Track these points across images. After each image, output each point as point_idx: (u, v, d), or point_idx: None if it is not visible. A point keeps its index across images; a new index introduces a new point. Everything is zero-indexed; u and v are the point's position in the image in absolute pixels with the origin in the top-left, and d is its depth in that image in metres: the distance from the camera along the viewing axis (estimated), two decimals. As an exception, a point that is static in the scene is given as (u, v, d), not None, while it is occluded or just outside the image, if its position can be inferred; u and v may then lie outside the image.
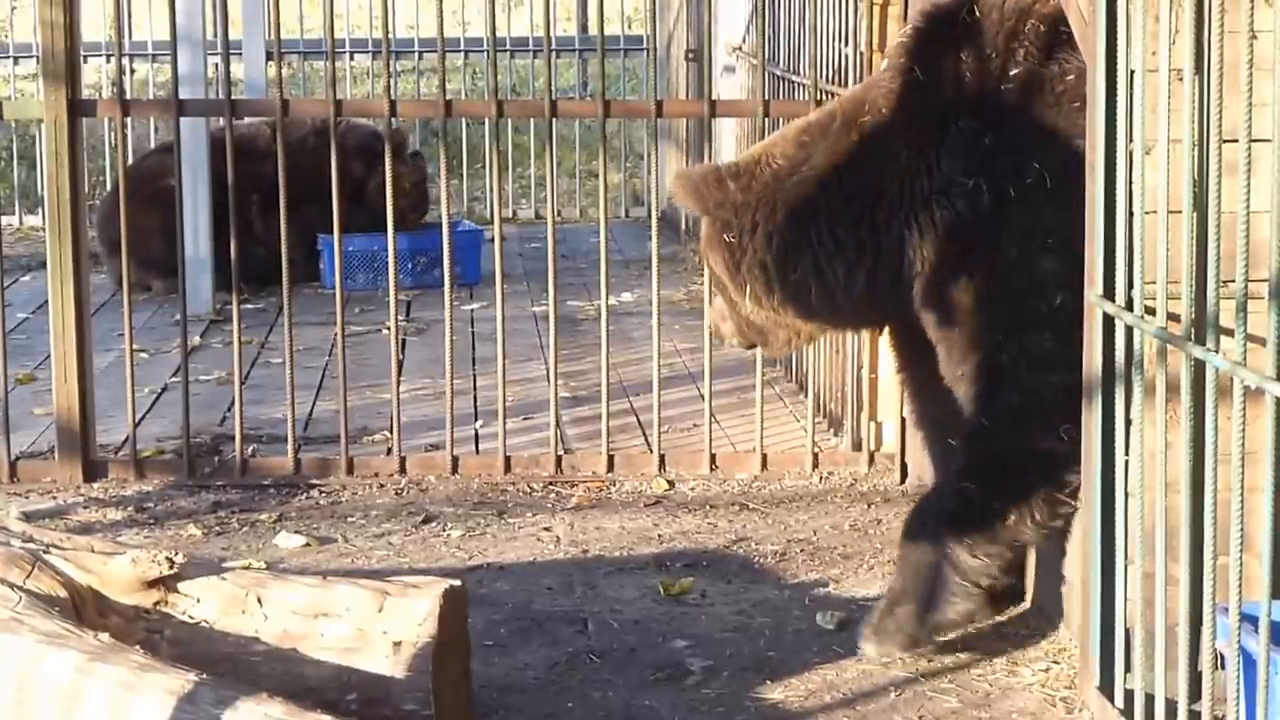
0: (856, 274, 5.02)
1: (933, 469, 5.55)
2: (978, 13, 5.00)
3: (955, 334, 4.95)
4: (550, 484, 6.72)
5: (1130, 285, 4.19)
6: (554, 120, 6.73)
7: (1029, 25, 4.93)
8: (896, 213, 4.97)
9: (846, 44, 6.95)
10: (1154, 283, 4.08)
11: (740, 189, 5.11)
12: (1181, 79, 3.94)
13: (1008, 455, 4.85)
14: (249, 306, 9.41)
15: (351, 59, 14.33)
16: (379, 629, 4.24)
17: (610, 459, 6.82)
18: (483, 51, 13.90)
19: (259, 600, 4.32)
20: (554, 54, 7.33)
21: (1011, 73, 4.91)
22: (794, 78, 7.91)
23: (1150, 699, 4.11)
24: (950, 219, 4.91)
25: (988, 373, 4.88)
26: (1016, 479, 4.83)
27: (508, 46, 14.46)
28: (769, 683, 4.84)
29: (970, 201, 4.89)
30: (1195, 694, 3.90)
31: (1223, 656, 3.74)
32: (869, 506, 6.39)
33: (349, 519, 6.33)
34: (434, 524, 6.27)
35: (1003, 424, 4.84)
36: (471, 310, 9.81)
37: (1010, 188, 4.85)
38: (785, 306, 5.15)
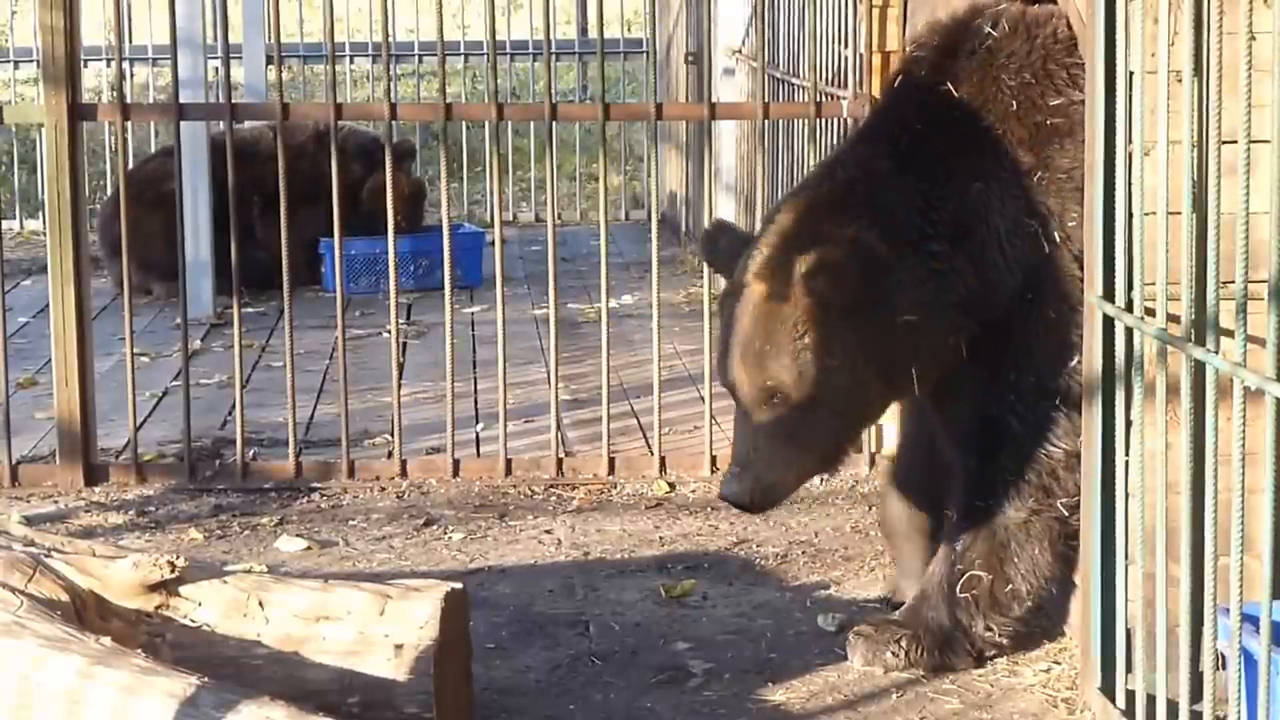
0: (974, 319, 4.75)
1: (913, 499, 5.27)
2: (1005, 25, 4.84)
3: (972, 393, 4.81)
4: (551, 486, 6.72)
5: (1130, 286, 4.19)
6: (554, 123, 6.74)
7: (1061, 43, 4.78)
8: (984, 252, 4.73)
9: (846, 46, 6.96)
10: (1154, 284, 4.08)
11: (890, 275, 4.61)
12: (1180, 80, 3.95)
13: (1010, 531, 4.81)
14: (249, 310, 9.41)
15: (352, 63, 14.34)
16: (380, 632, 4.25)
17: (611, 461, 6.82)
18: (483, 55, 13.91)
19: (260, 604, 4.32)
20: (554, 57, 7.34)
21: (1053, 103, 4.74)
22: (794, 80, 7.92)
23: (1152, 700, 4.11)
24: (1026, 263, 4.73)
25: (993, 437, 4.79)
26: (1020, 551, 4.82)
27: (507, 50, 14.48)
28: (770, 685, 4.84)
29: (1033, 246, 4.72)
30: (1197, 694, 3.90)
31: (1224, 657, 3.75)
32: (870, 508, 6.39)
33: (350, 522, 6.33)
34: (435, 527, 6.27)
35: (1001, 496, 4.80)
36: (472, 313, 9.82)
37: (1056, 232, 4.72)
38: (930, 371, 4.75)
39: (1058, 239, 4.74)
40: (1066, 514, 4.77)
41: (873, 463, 6.81)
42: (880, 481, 5.50)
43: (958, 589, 4.83)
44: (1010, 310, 4.77)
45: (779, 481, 4.75)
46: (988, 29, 4.87)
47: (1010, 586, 4.83)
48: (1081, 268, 4.67)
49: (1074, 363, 4.71)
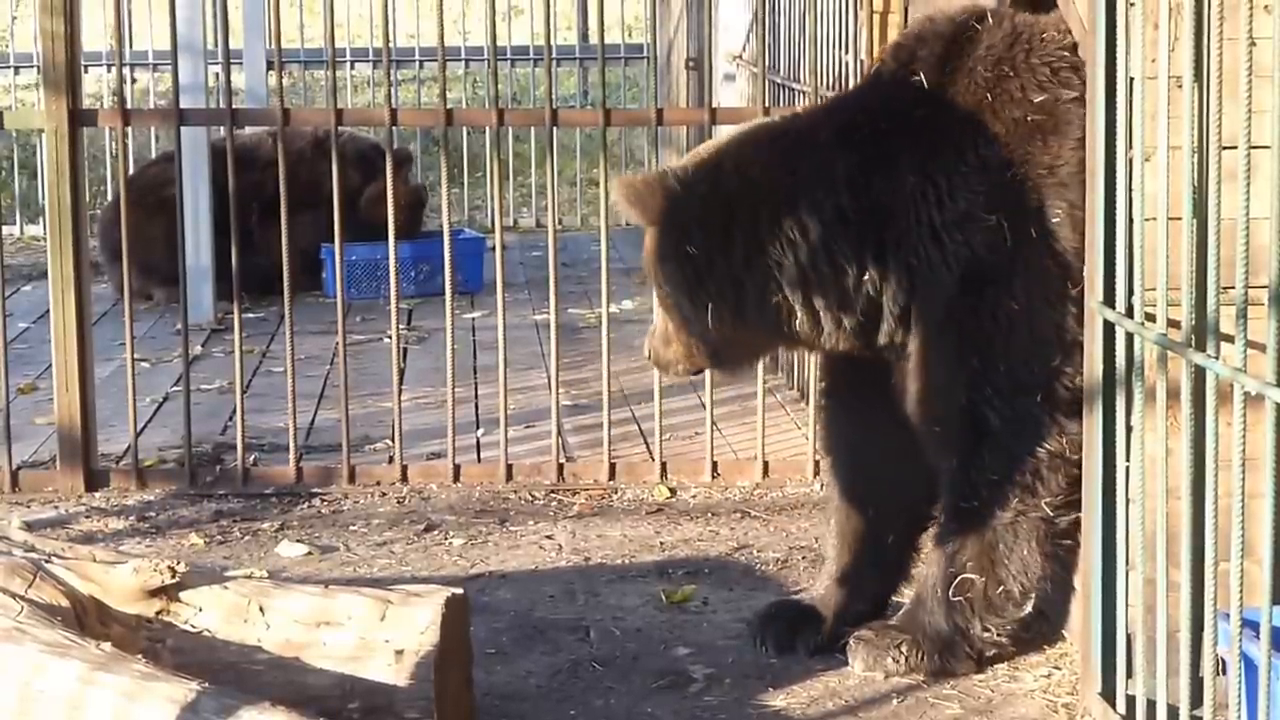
0: (851, 304, 4.72)
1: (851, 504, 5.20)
2: (989, 22, 4.83)
3: (938, 386, 4.77)
4: (552, 492, 6.73)
5: (1130, 292, 4.20)
6: (555, 129, 6.74)
7: (1047, 44, 4.76)
8: (903, 243, 4.69)
9: (846, 52, 6.96)
10: (1154, 289, 4.08)
11: (704, 197, 4.73)
12: (1181, 86, 3.95)
13: (998, 532, 4.79)
14: (250, 315, 9.41)
15: (352, 68, 14.36)
16: (381, 637, 4.25)
17: (612, 467, 6.82)
18: (483, 60, 13.91)
19: (261, 609, 4.32)
20: (554, 62, 7.34)
21: (1035, 99, 4.70)
22: (794, 85, 7.92)
23: (1152, 705, 4.12)
24: (967, 257, 4.68)
25: (973, 436, 4.76)
26: (1009, 553, 4.81)
27: (508, 55, 14.48)
28: (771, 690, 4.84)
29: (990, 240, 4.67)
30: (1197, 700, 3.90)
31: (1224, 662, 3.75)
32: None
33: (351, 527, 6.33)
34: (436, 532, 6.27)
35: (986, 496, 4.78)
36: (473, 319, 9.82)
37: (1032, 229, 4.67)
38: (756, 329, 4.81)
39: (1032, 234, 4.67)
40: (1051, 514, 4.76)
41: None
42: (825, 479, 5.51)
43: (951, 592, 4.84)
44: (953, 302, 4.72)
45: (663, 352, 5.01)
46: (972, 23, 4.88)
47: (1003, 588, 4.82)
48: (1063, 264, 4.66)
49: (1055, 361, 4.69)
